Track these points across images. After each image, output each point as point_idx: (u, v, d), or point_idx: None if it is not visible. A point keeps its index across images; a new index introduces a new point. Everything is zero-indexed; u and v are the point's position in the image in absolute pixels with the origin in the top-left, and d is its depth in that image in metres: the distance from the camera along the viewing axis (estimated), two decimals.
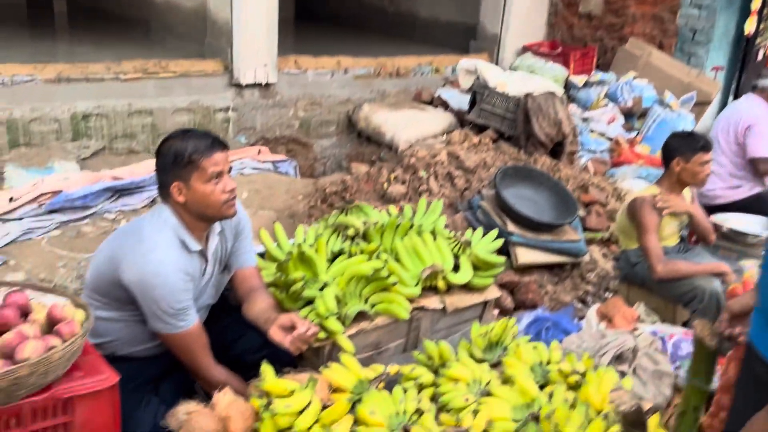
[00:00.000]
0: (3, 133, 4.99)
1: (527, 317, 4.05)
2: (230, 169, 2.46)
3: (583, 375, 2.48)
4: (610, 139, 6.42)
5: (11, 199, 4.44)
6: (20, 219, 4.42)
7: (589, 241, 4.71)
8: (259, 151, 5.71)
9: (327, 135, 6.65)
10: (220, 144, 2.41)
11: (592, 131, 6.51)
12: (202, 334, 2.46)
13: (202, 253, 2.52)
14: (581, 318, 4.02)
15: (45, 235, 4.32)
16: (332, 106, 6.59)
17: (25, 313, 1.96)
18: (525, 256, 4.24)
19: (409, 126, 6.15)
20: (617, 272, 4.48)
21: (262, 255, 3.31)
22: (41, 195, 4.52)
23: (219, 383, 2.39)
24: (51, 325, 1.93)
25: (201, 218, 2.45)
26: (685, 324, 3.93)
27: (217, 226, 2.57)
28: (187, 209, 2.43)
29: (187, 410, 2.19)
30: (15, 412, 1.82)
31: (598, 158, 6.14)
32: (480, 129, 5.95)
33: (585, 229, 4.77)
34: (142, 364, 2.52)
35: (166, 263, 2.33)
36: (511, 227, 4.29)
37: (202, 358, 2.46)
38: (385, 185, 4.91)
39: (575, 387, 2.47)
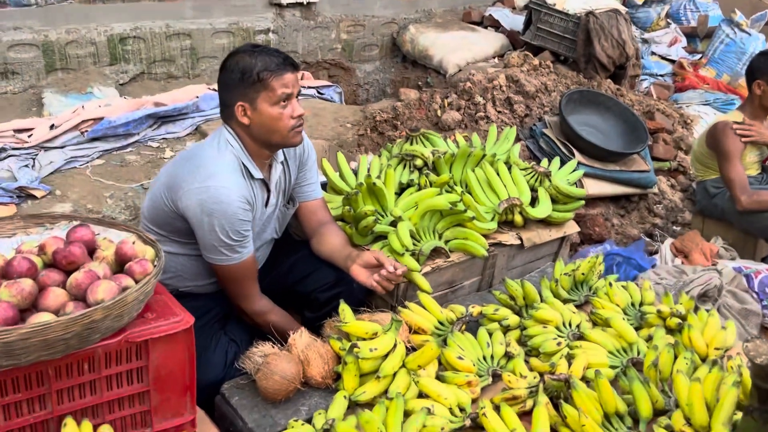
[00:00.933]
0: (39, 56, 4.78)
1: (594, 251, 3.85)
2: (299, 92, 2.22)
3: (684, 318, 2.28)
4: (672, 62, 6.02)
5: (52, 126, 4.27)
6: (62, 147, 4.27)
7: (656, 171, 4.43)
8: (303, 76, 5.44)
9: (371, 59, 6.34)
10: (291, 64, 2.17)
11: (653, 54, 6.10)
12: (254, 264, 2.29)
13: (265, 183, 2.32)
14: (652, 253, 3.80)
15: (88, 164, 4.16)
16: (376, 27, 6.25)
17: (91, 250, 1.80)
18: (593, 187, 3.99)
19: (458, 48, 5.80)
20: (686, 204, 4.22)
21: (323, 186, 3.12)
22: (83, 122, 4.34)
23: (263, 314, 2.27)
24: (121, 264, 1.77)
25: (265, 144, 2.22)
26: (765, 260, 3.69)
27: (279, 155, 2.36)
28: (250, 133, 2.20)
29: (263, 352, 2.05)
30: (88, 356, 1.68)
31: (660, 82, 5.76)
32: (535, 51, 5.59)
33: (652, 158, 4.49)
34: (208, 300, 2.36)
35: (226, 189, 2.11)
36: (577, 156, 4.03)
37: (250, 288, 2.29)
38: (439, 112, 4.65)
39: (674, 330, 2.28)
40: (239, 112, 2.17)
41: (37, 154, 4.16)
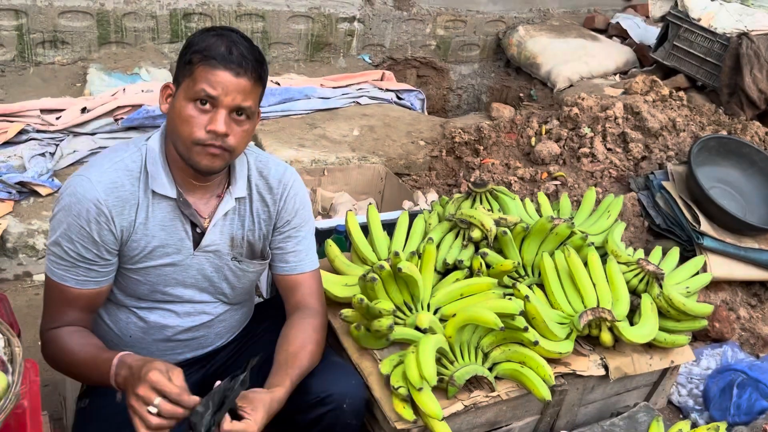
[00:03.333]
0: (93, 26, 4.30)
1: (709, 356, 2.91)
2: (239, 111, 1.54)
3: None
4: None
5: (84, 110, 3.77)
6: (92, 134, 3.76)
7: None
8: (383, 76, 4.70)
9: (468, 60, 5.50)
10: (242, 67, 1.51)
11: None
12: (76, 300, 1.65)
13: (185, 207, 1.64)
14: None
15: None
16: (479, 25, 5.39)
17: None
18: (720, 267, 3.04)
19: (573, 59, 4.88)
20: None
21: (344, 235, 2.39)
22: (118, 108, 3.82)
23: (47, 343, 1.65)
24: None
25: (177, 153, 1.59)
26: None
27: (239, 188, 1.70)
28: (168, 130, 1.61)
29: None
30: None
31: None
32: (666, 73, 4.58)
33: None
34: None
35: (89, 182, 1.57)
36: (704, 225, 3.08)
37: (49, 313, 1.67)
38: (533, 140, 3.78)
39: None
40: (165, 93, 1.59)
41: (62, 140, 3.67)
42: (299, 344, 1.67)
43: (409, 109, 4.50)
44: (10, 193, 3.14)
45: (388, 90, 4.56)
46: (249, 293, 1.94)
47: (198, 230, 1.69)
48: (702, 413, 2.62)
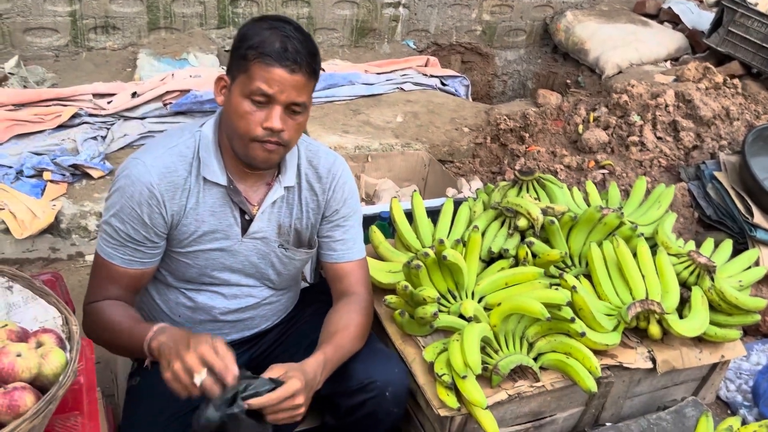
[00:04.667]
0: (143, 12, 4.38)
1: (760, 351, 2.84)
2: (296, 107, 1.55)
3: None
4: None
5: (134, 95, 3.84)
6: (142, 119, 3.83)
7: None
8: (427, 62, 4.67)
9: (514, 46, 5.43)
10: (297, 63, 1.51)
11: None
12: (121, 278, 1.68)
13: (234, 194, 1.67)
14: None
15: None
16: (526, 10, 5.31)
17: None
18: None
19: (622, 45, 4.77)
20: None
21: (388, 221, 2.39)
22: (167, 93, 3.88)
23: (89, 314, 1.67)
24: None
25: (231, 145, 1.63)
26: None
27: (288, 177, 1.72)
28: (223, 121, 1.65)
29: None
30: None
31: None
32: (719, 60, 4.44)
33: None
34: None
35: (144, 166, 1.61)
36: (757, 217, 3.00)
37: (97, 287, 1.69)
38: (581, 128, 3.72)
39: None
40: (219, 84, 1.61)
41: (113, 123, 3.76)
42: (341, 326, 1.68)
43: (454, 95, 4.47)
44: (63, 175, 3.23)
45: (432, 76, 4.53)
46: (295, 279, 1.96)
47: (246, 217, 1.71)
48: (751, 410, 2.55)
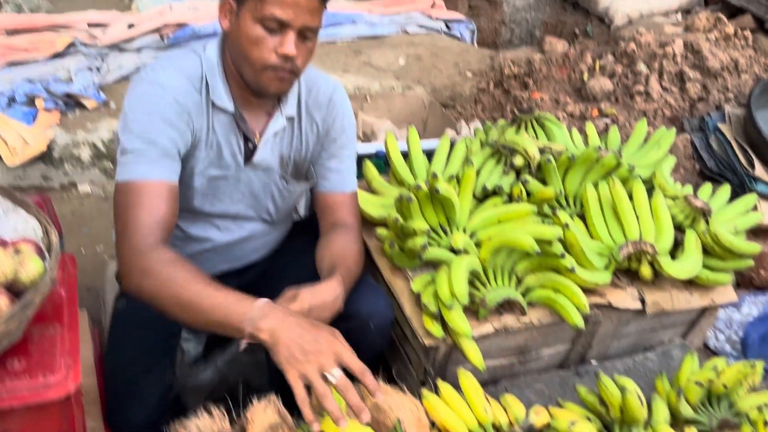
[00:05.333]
0: None
1: (752, 303, 2.84)
2: (309, 32, 1.49)
3: None
4: None
5: (130, 26, 3.76)
6: (138, 51, 3.77)
7: None
8: (433, 4, 4.56)
9: None
10: None
11: None
12: (158, 193, 1.47)
13: (241, 122, 1.62)
14: None
15: None
16: None
17: None
18: None
19: None
20: None
21: (384, 160, 2.36)
22: (165, 26, 3.80)
23: (149, 275, 1.38)
24: None
25: (239, 72, 1.55)
26: None
27: (289, 106, 1.66)
28: (229, 46, 1.56)
29: (198, 427, 1.40)
30: None
31: None
32: (732, 13, 4.33)
33: None
34: None
35: (157, 74, 1.53)
36: (758, 170, 2.96)
37: (135, 222, 1.44)
38: (585, 75, 3.65)
39: None
40: (224, 8, 1.51)
41: (108, 55, 3.69)
42: (339, 250, 1.65)
43: (458, 40, 4.38)
44: (56, 104, 3.18)
45: (437, 19, 4.43)
46: (289, 214, 1.94)
47: (250, 145, 1.67)
48: (738, 359, 2.56)
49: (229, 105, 1.59)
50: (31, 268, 1.19)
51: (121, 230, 1.46)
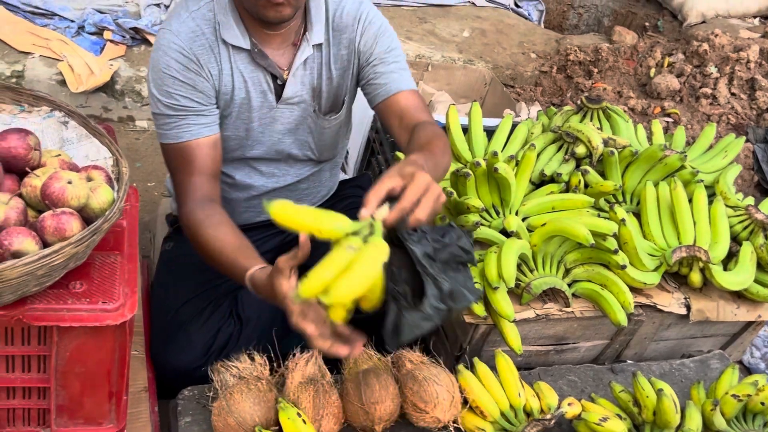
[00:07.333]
0: None
1: None
2: None
3: None
4: None
5: None
6: None
7: None
8: None
9: None
10: None
11: None
12: (191, 154, 1.57)
13: (260, 58, 1.60)
14: None
15: None
16: None
17: (22, 170, 1.22)
18: None
19: None
20: None
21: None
22: None
23: (188, 228, 1.52)
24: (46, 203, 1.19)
25: (242, 6, 1.55)
26: None
27: (316, 34, 1.62)
28: None
29: (238, 371, 1.44)
30: None
31: None
32: None
33: None
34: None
35: (169, 33, 1.56)
36: None
37: (182, 185, 1.58)
38: (653, 71, 3.56)
39: None
40: None
41: None
42: (425, 139, 1.49)
43: (526, 18, 4.30)
44: (123, 37, 3.22)
45: None
46: (331, 151, 1.86)
47: (279, 82, 1.65)
48: None
49: (243, 42, 1.58)
50: (102, 196, 1.22)
51: (173, 187, 1.65)
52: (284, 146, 1.75)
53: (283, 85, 1.65)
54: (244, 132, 1.70)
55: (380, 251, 1.06)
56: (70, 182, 1.17)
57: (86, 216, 1.21)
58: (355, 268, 1.03)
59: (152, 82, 1.58)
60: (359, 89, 1.75)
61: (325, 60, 1.67)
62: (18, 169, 1.23)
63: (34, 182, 1.21)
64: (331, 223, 1.10)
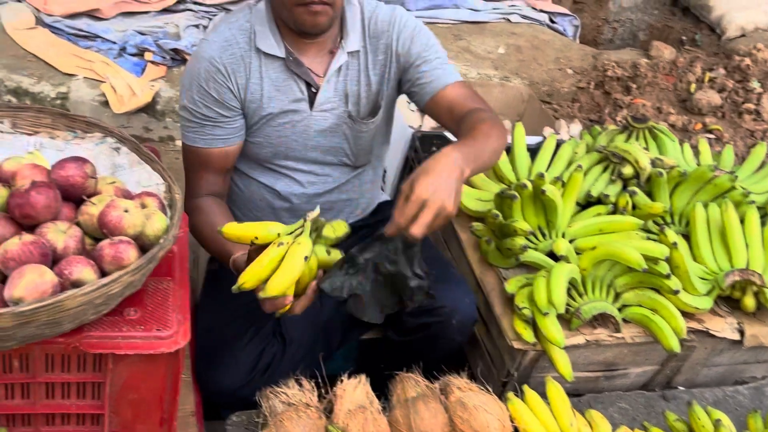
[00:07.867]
0: None
1: None
2: None
3: None
4: None
5: None
6: None
7: None
8: None
9: None
10: None
11: None
12: (206, 159, 1.70)
13: (295, 66, 1.64)
14: None
15: None
16: None
17: (79, 197, 1.23)
18: None
19: (752, 6, 4.41)
20: None
21: None
22: None
23: (190, 214, 1.64)
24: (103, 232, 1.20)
25: (280, 16, 1.61)
26: None
27: (352, 41, 1.67)
28: None
29: (288, 398, 1.43)
30: (19, 353, 1.17)
31: None
32: None
33: None
34: None
35: (207, 42, 1.66)
36: None
37: (191, 180, 1.74)
38: (693, 87, 3.50)
39: None
40: None
41: (215, 14, 3.76)
42: (468, 127, 1.52)
43: (561, 34, 4.27)
44: (164, 57, 3.27)
45: (541, 11, 4.33)
46: (367, 156, 1.85)
47: (313, 89, 1.68)
48: None
49: (278, 50, 1.62)
50: (156, 223, 1.23)
51: (185, 186, 1.75)
52: (319, 152, 1.77)
53: (317, 93, 1.68)
54: (277, 140, 1.73)
55: (303, 247, 1.29)
56: (126, 210, 1.19)
57: (141, 243, 1.22)
58: (282, 266, 1.27)
59: (183, 87, 1.68)
60: (405, 94, 1.78)
61: (362, 66, 1.71)
62: (75, 197, 1.24)
63: (91, 210, 1.22)
64: (265, 229, 1.34)
